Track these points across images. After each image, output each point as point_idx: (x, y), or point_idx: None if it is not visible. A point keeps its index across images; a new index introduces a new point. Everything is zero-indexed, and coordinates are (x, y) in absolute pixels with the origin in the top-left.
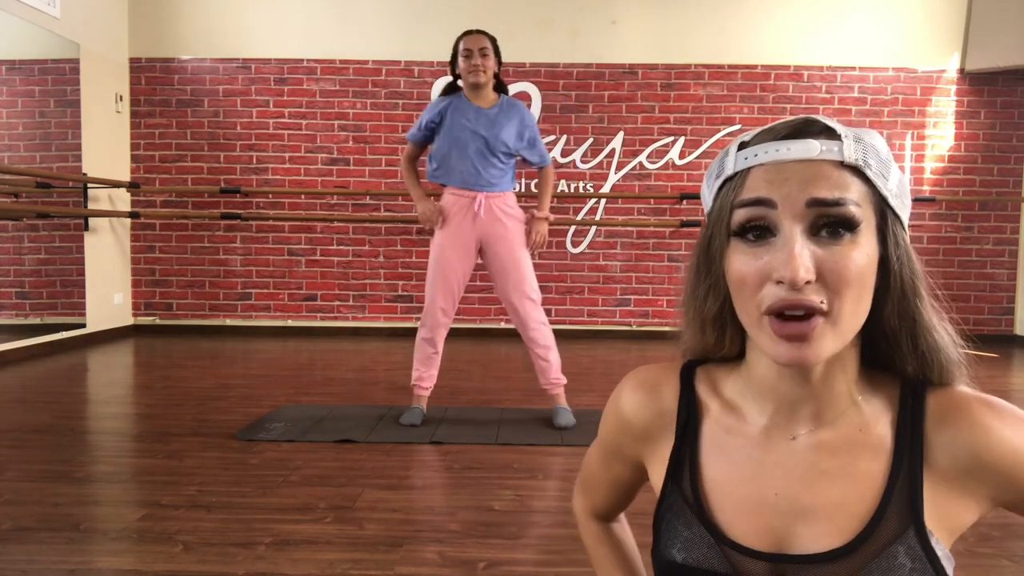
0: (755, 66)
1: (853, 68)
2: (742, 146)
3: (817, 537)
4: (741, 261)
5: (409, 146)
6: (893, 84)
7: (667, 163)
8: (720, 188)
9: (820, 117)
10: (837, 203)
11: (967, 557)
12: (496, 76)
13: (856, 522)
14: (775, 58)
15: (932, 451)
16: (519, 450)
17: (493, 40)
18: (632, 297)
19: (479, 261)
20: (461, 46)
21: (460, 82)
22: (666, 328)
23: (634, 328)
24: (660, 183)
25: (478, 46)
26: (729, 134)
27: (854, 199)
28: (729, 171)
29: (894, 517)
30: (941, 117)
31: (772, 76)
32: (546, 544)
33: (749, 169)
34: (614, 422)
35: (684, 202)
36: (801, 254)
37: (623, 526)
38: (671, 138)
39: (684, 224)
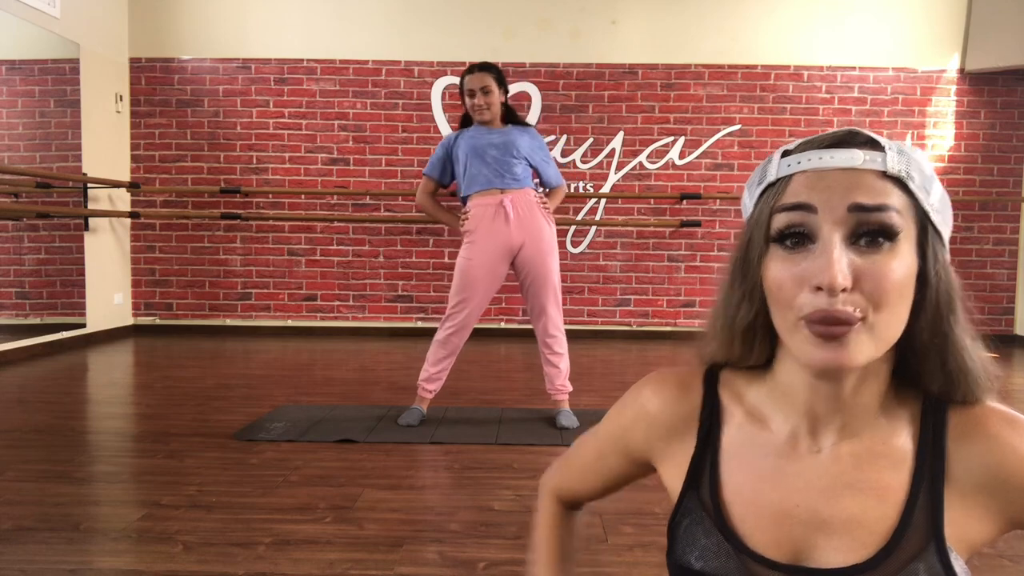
0: (755, 66)
1: (853, 68)
2: (785, 154)
3: (837, 551)
4: (779, 267)
5: (424, 179)
6: (893, 84)
7: (667, 163)
8: (761, 195)
9: (863, 129)
10: (879, 208)
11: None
12: (506, 105)
13: (877, 537)
14: (775, 58)
15: (952, 467)
16: (519, 450)
17: (496, 72)
18: (632, 297)
19: (510, 271)
20: (465, 84)
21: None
22: (666, 328)
23: (634, 328)
24: (660, 183)
25: (480, 85)
26: (729, 134)
27: (896, 207)
28: (772, 177)
29: (916, 533)
30: (941, 117)
31: (772, 76)
32: None
33: (791, 176)
34: (631, 416)
35: (684, 202)
36: (839, 260)
37: (579, 516)
38: (671, 138)
39: (684, 224)
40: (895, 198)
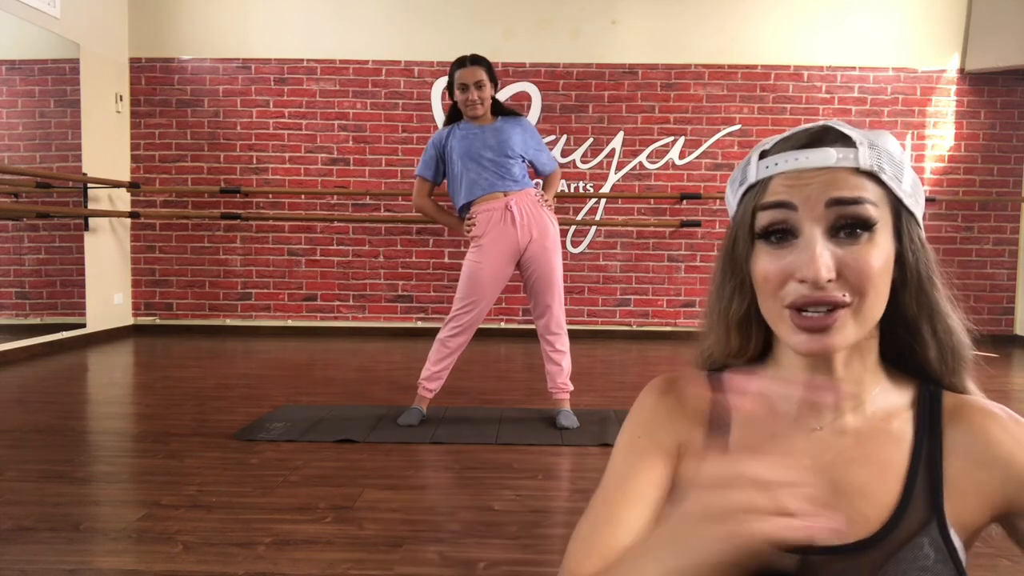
0: (755, 66)
1: (853, 68)
2: (763, 155)
3: (846, 526)
4: (765, 261)
5: (418, 181)
6: (893, 84)
7: (667, 163)
8: (743, 195)
9: (835, 124)
10: (856, 201)
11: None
12: (493, 99)
13: (882, 511)
14: (775, 58)
15: (949, 447)
16: (519, 450)
17: (488, 67)
18: (632, 297)
19: (515, 271)
20: (456, 78)
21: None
22: (666, 328)
23: (634, 328)
24: (660, 183)
25: (473, 80)
26: (729, 134)
27: (871, 199)
28: (751, 179)
29: (917, 509)
30: (941, 117)
31: (772, 76)
32: (546, 544)
33: (770, 177)
34: (649, 411)
35: (684, 202)
36: (822, 255)
37: None
38: (671, 138)
39: (684, 224)
40: (870, 191)
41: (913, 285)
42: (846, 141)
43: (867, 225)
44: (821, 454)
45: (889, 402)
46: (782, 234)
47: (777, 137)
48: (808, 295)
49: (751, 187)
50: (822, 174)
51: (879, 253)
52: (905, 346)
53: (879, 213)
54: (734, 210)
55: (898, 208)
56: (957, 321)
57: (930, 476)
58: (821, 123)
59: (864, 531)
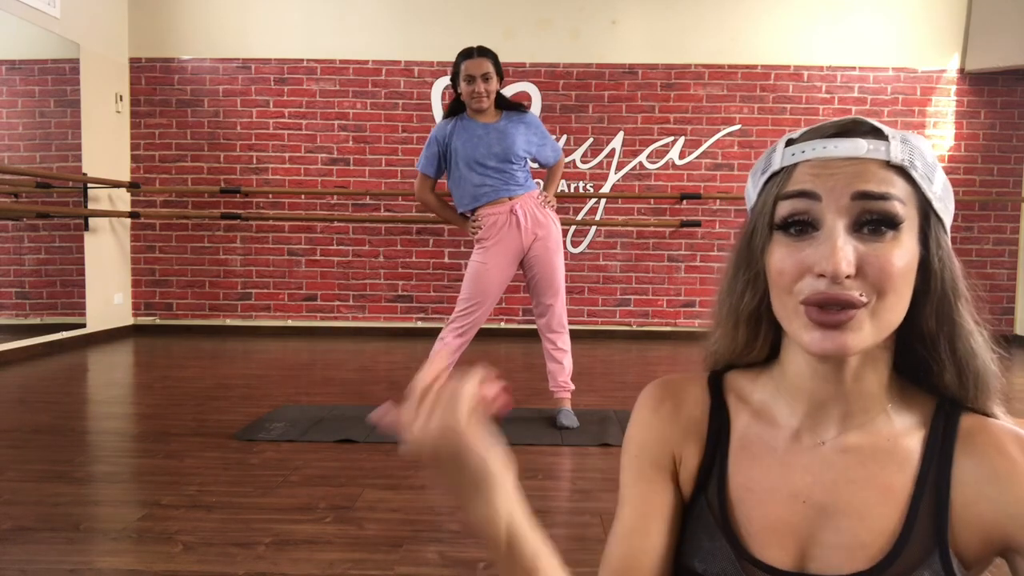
0: (755, 66)
1: (853, 68)
2: (789, 143)
3: (841, 551)
4: (782, 253)
5: (421, 176)
6: (893, 84)
7: (667, 163)
8: (765, 183)
9: (866, 118)
10: (884, 197)
11: None
12: (497, 93)
13: (880, 538)
14: (775, 58)
15: (958, 473)
16: (519, 450)
17: (494, 59)
18: (632, 297)
19: (518, 271)
20: (463, 70)
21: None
22: (666, 328)
23: (634, 328)
24: (660, 183)
25: (480, 72)
26: (729, 134)
27: (899, 196)
28: (776, 166)
29: (919, 539)
30: (941, 117)
31: (772, 76)
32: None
33: (795, 165)
34: (643, 427)
35: (684, 202)
36: (844, 248)
37: None
38: (671, 138)
39: (684, 224)
40: (898, 187)
41: (936, 296)
42: (877, 134)
43: (893, 223)
44: (822, 472)
45: (901, 420)
46: (802, 226)
47: (805, 128)
48: (824, 291)
49: (774, 175)
50: (850, 165)
51: (903, 253)
52: (921, 363)
53: (906, 212)
54: (753, 201)
55: (926, 210)
56: (982, 342)
57: (935, 503)
58: (852, 116)
59: (862, 560)
